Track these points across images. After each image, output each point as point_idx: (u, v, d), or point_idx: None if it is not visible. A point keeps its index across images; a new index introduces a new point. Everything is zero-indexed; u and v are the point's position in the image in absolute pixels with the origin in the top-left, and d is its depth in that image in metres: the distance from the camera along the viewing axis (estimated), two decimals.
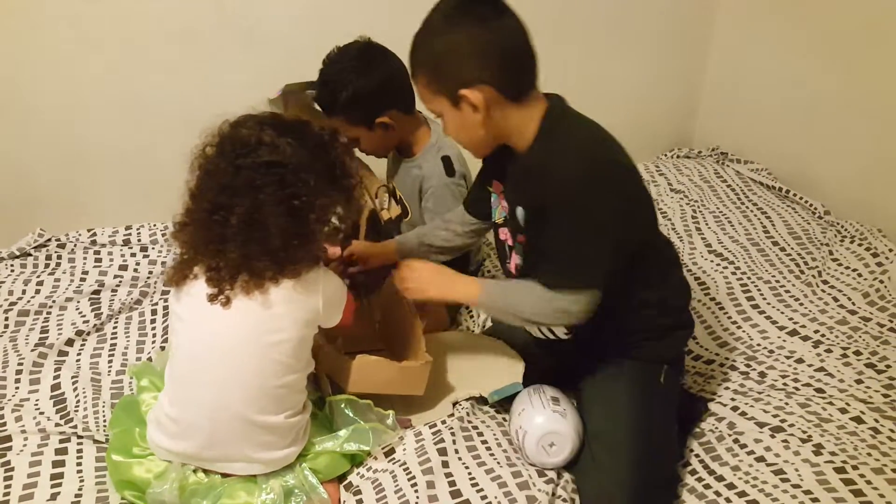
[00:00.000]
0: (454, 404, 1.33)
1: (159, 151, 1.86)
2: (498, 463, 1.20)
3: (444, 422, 1.27)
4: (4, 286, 1.68)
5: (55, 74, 1.85)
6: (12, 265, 1.77)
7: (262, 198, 1.03)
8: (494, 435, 1.27)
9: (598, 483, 1.16)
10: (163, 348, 1.50)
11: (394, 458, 1.20)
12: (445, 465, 1.18)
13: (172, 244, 1.12)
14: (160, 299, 1.67)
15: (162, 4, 1.85)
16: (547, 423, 1.21)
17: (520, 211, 1.22)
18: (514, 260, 1.29)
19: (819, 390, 1.35)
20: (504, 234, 1.31)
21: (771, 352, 1.49)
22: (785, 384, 1.39)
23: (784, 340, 1.51)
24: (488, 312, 1.26)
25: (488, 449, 1.23)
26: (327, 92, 1.50)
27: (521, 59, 1.12)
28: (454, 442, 1.23)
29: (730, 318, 1.61)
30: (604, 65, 2.37)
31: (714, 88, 2.50)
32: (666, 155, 2.49)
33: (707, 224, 1.97)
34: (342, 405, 1.23)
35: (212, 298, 1.06)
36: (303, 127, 1.10)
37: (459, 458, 1.20)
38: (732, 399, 1.37)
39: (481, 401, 1.35)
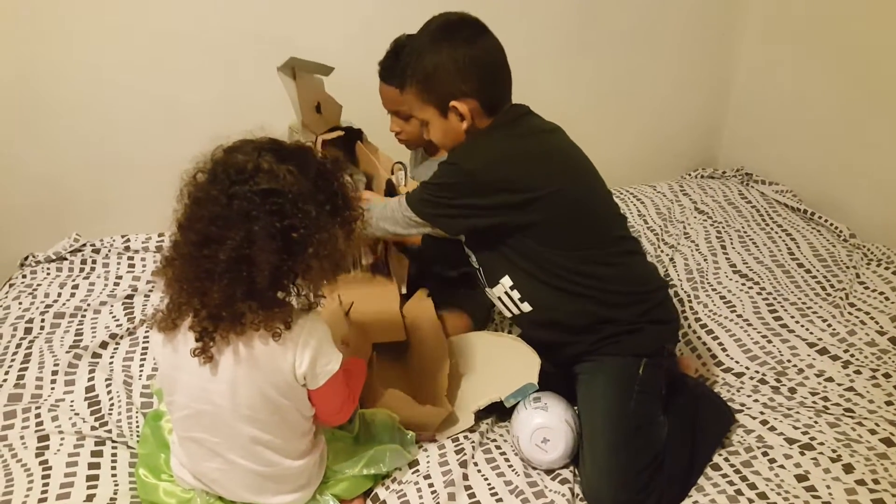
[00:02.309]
0: (476, 415, 1.35)
1: (191, 160, 1.89)
2: (516, 473, 1.24)
3: (466, 436, 1.31)
4: (41, 289, 1.72)
5: (90, 84, 1.90)
6: (48, 269, 1.81)
7: (256, 230, 0.93)
8: (512, 447, 1.31)
9: (585, 473, 1.24)
10: None
11: (418, 471, 1.23)
12: (465, 477, 1.22)
13: (157, 282, 1.06)
14: None
15: (196, 17, 1.89)
16: (530, 419, 1.26)
17: None
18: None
19: (848, 410, 1.35)
20: None
21: (801, 370, 1.49)
22: (814, 402, 1.39)
23: (814, 358, 1.51)
24: None
25: (507, 461, 1.27)
26: (406, 61, 1.32)
27: (500, 76, 1.28)
28: (473, 456, 1.27)
29: (759, 332, 1.61)
30: (626, 81, 2.39)
31: (739, 108, 2.52)
32: (690, 174, 2.50)
33: (732, 245, 1.97)
34: (372, 420, 1.25)
35: (195, 353, 0.98)
36: (304, 153, 1.02)
37: (479, 471, 1.24)
38: (762, 412, 1.37)
39: (502, 406, 1.36)
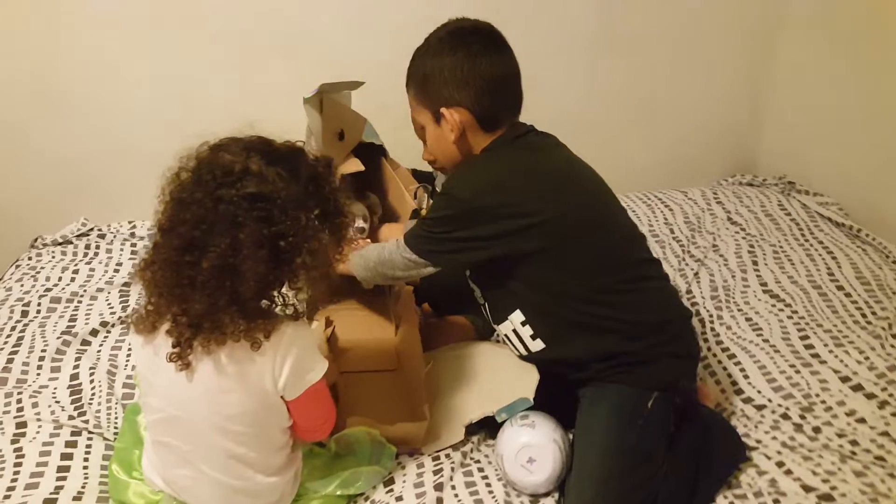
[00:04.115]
0: (467, 429, 1.28)
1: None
2: (495, 500, 1.16)
3: (448, 454, 1.24)
4: (44, 272, 1.71)
5: (102, 70, 1.88)
6: (54, 252, 1.80)
7: (242, 237, 0.88)
8: (496, 470, 1.22)
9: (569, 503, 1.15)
10: None
11: (392, 490, 1.17)
12: (440, 501, 1.14)
13: (136, 284, 0.99)
14: None
15: (212, 5, 1.85)
16: (515, 436, 1.18)
17: None
18: None
19: (879, 458, 1.22)
20: None
21: (829, 407, 1.35)
22: (840, 446, 1.26)
23: (845, 395, 1.38)
24: (357, 273, 1.29)
25: (488, 485, 1.19)
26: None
27: (501, 93, 1.20)
28: (452, 478, 1.19)
29: (787, 360, 1.48)
30: (658, 80, 2.26)
31: (780, 110, 2.34)
32: (727, 181, 2.36)
33: (765, 261, 1.83)
34: (351, 433, 1.20)
35: (171, 358, 0.94)
36: (295, 156, 0.97)
37: (456, 495, 1.16)
38: (779, 452, 1.25)
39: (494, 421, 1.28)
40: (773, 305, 1.65)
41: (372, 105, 1.56)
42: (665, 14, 2.16)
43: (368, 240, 1.53)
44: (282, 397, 1.01)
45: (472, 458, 1.25)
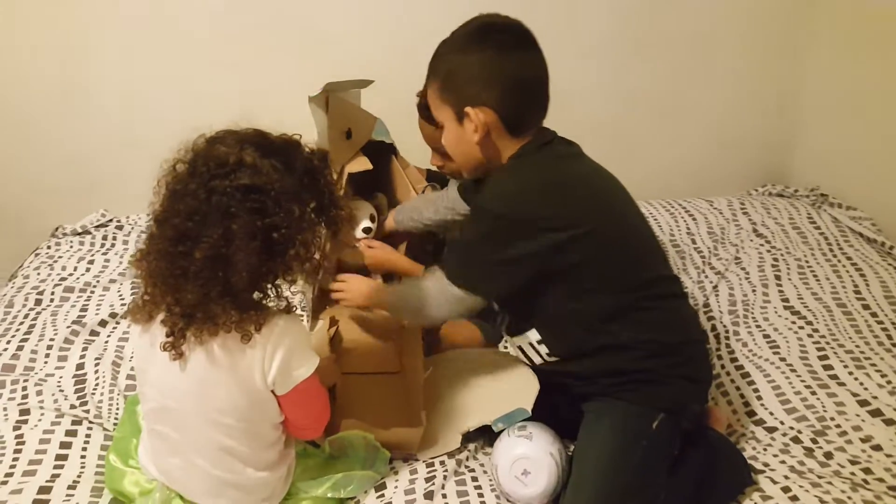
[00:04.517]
0: (464, 437, 1.26)
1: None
2: None
3: (443, 462, 1.22)
4: (61, 261, 1.74)
5: (122, 66, 1.91)
6: (72, 242, 1.83)
7: (234, 228, 0.89)
8: (490, 480, 1.20)
9: None
10: None
11: (383, 496, 1.15)
12: None
13: (132, 273, 1.02)
14: None
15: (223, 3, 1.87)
16: (511, 447, 1.16)
17: None
18: None
19: (893, 489, 1.15)
20: None
21: (844, 432, 1.29)
22: (853, 473, 1.20)
23: (862, 420, 1.31)
24: (393, 313, 1.25)
25: (480, 496, 1.16)
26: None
27: (529, 95, 1.13)
28: (444, 486, 1.16)
29: (803, 381, 1.41)
30: (684, 84, 2.20)
31: (814, 119, 2.25)
32: (757, 191, 2.28)
33: (789, 275, 1.76)
34: (346, 437, 1.18)
35: (164, 347, 0.95)
36: (290, 148, 0.97)
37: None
38: (786, 477, 1.20)
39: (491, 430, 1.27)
40: (794, 322, 1.59)
41: (384, 102, 1.54)
42: (694, 16, 2.10)
43: (374, 241, 1.52)
44: (273, 392, 1.01)
45: (466, 467, 1.23)
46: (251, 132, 0.96)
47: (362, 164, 1.46)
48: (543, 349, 1.20)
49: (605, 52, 2.11)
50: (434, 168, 1.73)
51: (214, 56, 1.93)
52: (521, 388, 1.26)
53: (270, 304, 1.00)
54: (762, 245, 1.90)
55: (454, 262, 1.17)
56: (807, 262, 1.82)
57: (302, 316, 1.58)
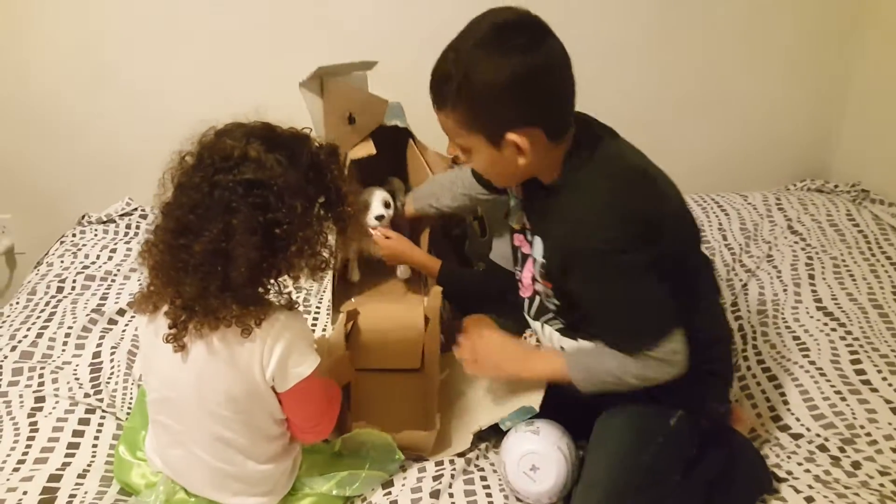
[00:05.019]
0: (475, 437, 1.23)
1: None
2: None
3: (452, 461, 1.19)
4: (84, 249, 1.76)
5: (148, 54, 1.91)
6: (97, 230, 1.85)
7: (235, 223, 0.88)
8: (499, 479, 1.17)
9: None
10: None
11: (389, 493, 1.13)
12: None
13: (139, 263, 1.00)
14: None
15: None
16: (519, 443, 1.14)
17: (539, 243, 1.12)
18: (529, 270, 1.20)
19: None
20: (519, 240, 1.22)
21: (874, 441, 1.23)
22: (881, 485, 1.13)
23: (895, 428, 1.24)
24: (584, 388, 1.07)
25: (488, 495, 1.13)
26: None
27: (566, 94, 1.01)
28: (451, 485, 1.14)
29: (833, 386, 1.35)
30: (720, 74, 2.11)
31: (857, 112, 2.14)
32: (795, 185, 2.18)
33: (823, 275, 1.68)
34: (356, 441, 1.17)
35: (167, 339, 0.95)
36: (297, 142, 0.96)
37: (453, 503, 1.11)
38: (810, 487, 1.14)
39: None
40: (826, 324, 1.51)
41: (399, 86, 1.49)
42: (732, 5, 2.01)
43: (390, 230, 1.48)
44: (274, 390, 1.00)
45: (475, 466, 1.20)
46: (259, 125, 0.95)
47: (366, 149, 1.43)
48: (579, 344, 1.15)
49: (640, 43, 2.04)
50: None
51: (246, 44, 1.92)
52: (529, 386, 1.22)
53: (272, 300, 0.99)
54: (797, 242, 1.82)
55: (627, 320, 1.02)
56: (843, 261, 1.73)
57: (317, 311, 1.58)
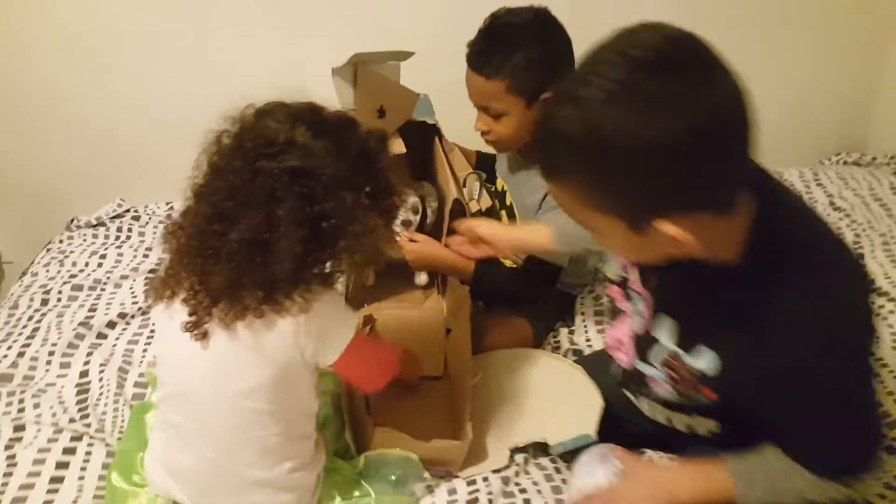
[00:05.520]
0: (512, 452, 1.10)
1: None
2: None
3: (486, 479, 1.05)
4: (72, 256, 1.64)
5: (140, 43, 1.81)
6: (86, 234, 1.73)
7: (280, 214, 0.81)
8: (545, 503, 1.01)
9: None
10: None
11: None
12: None
13: (161, 246, 0.92)
14: None
15: None
16: (594, 479, 0.96)
17: (669, 326, 0.88)
18: (627, 335, 0.98)
19: None
20: (617, 295, 1.02)
21: None
22: None
23: None
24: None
25: None
26: (499, 47, 1.26)
27: (744, 148, 0.69)
28: None
29: (892, 372, 1.22)
30: (750, 44, 1.93)
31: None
32: (829, 160, 2.05)
33: (873, 253, 1.55)
34: (376, 461, 1.05)
35: (186, 327, 0.87)
36: (346, 128, 0.88)
37: None
38: (882, 496, 1.01)
39: (544, 447, 1.12)
40: (881, 307, 1.38)
41: (424, 76, 1.37)
42: None
43: (417, 234, 1.35)
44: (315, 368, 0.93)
45: (515, 485, 1.04)
46: (304, 106, 0.87)
47: (396, 146, 1.31)
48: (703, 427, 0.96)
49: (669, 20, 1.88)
50: (483, 151, 1.57)
51: (241, 33, 1.83)
52: (583, 408, 1.11)
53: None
54: (841, 219, 1.69)
55: (834, 441, 0.79)
56: (893, 236, 1.60)
57: None
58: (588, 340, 1.39)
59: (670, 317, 0.88)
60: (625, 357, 0.99)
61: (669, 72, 0.65)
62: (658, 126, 0.64)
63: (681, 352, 0.86)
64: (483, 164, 1.59)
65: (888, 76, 2.02)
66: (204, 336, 0.86)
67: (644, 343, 0.93)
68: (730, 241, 0.76)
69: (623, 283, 0.99)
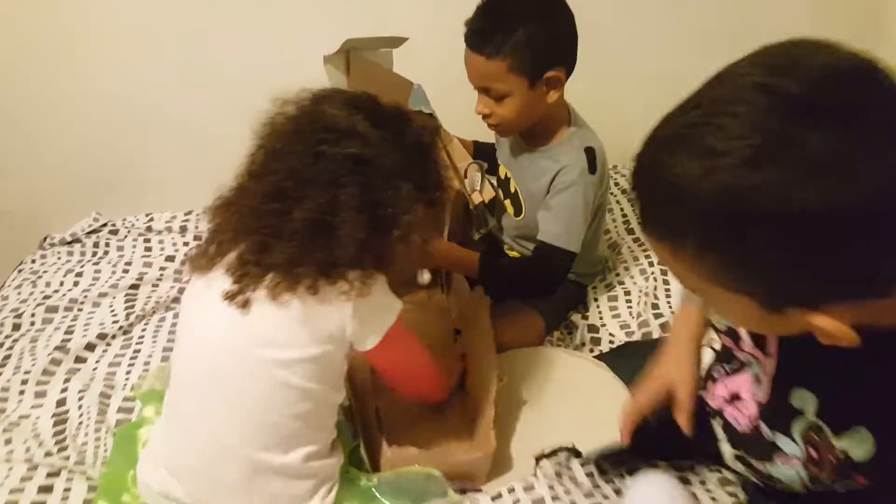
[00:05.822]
0: (537, 460, 0.99)
1: (226, 129, 1.70)
2: None
3: (511, 490, 0.94)
4: (46, 276, 1.51)
5: (118, 54, 1.74)
6: (60, 252, 1.60)
7: (342, 198, 0.82)
8: None
9: None
10: None
11: None
12: None
13: (207, 220, 0.91)
14: None
15: None
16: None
17: (809, 399, 0.72)
18: (748, 386, 0.82)
19: None
20: (730, 343, 0.86)
21: None
22: None
23: None
24: None
25: None
26: (499, 25, 1.17)
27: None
28: None
29: None
30: (753, 25, 1.85)
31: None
32: None
33: None
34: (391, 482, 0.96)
35: (228, 296, 0.84)
36: (402, 120, 0.90)
37: None
38: None
39: (574, 453, 1.00)
40: None
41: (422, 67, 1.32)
42: None
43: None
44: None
45: (554, 499, 0.92)
46: (362, 96, 0.90)
47: None
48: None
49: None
50: (480, 140, 1.49)
51: (224, 28, 1.75)
52: (613, 406, 0.99)
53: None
54: None
55: None
56: None
57: None
58: (606, 328, 1.32)
59: (806, 389, 0.72)
60: (742, 417, 0.83)
61: (841, 121, 0.48)
62: (826, 196, 0.48)
63: (826, 429, 0.70)
64: (482, 154, 1.50)
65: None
66: (245, 304, 0.84)
67: (780, 411, 0.75)
68: (891, 318, 0.60)
69: (733, 336, 0.84)
